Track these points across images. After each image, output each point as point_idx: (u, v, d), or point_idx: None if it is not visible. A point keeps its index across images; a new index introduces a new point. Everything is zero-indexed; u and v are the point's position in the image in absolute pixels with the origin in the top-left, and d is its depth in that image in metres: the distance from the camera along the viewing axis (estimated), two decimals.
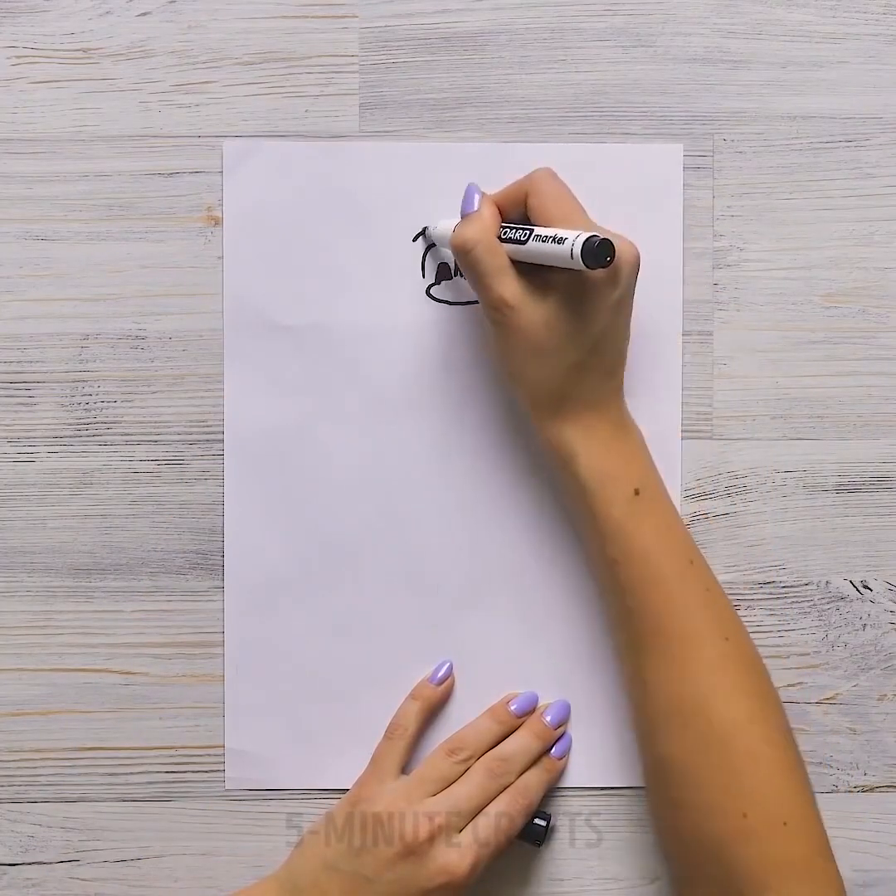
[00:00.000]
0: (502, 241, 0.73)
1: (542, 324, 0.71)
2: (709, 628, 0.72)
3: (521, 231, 0.72)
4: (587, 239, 0.68)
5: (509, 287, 0.72)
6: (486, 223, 0.73)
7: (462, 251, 0.72)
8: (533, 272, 0.72)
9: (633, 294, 0.73)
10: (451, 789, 0.75)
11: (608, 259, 0.68)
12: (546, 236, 0.70)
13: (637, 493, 0.73)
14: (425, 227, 0.79)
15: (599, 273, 0.70)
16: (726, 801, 0.70)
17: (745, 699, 0.71)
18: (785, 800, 0.70)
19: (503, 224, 0.74)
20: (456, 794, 0.74)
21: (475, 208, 0.74)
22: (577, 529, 0.76)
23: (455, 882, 0.72)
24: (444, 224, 0.77)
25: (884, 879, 0.79)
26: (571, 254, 0.68)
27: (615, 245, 0.69)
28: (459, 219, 0.75)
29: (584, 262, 0.68)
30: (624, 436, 0.74)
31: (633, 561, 0.72)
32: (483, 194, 0.75)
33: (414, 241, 0.79)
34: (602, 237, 0.68)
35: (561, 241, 0.69)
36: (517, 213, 0.74)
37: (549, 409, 0.73)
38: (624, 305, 0.73)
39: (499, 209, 0.74)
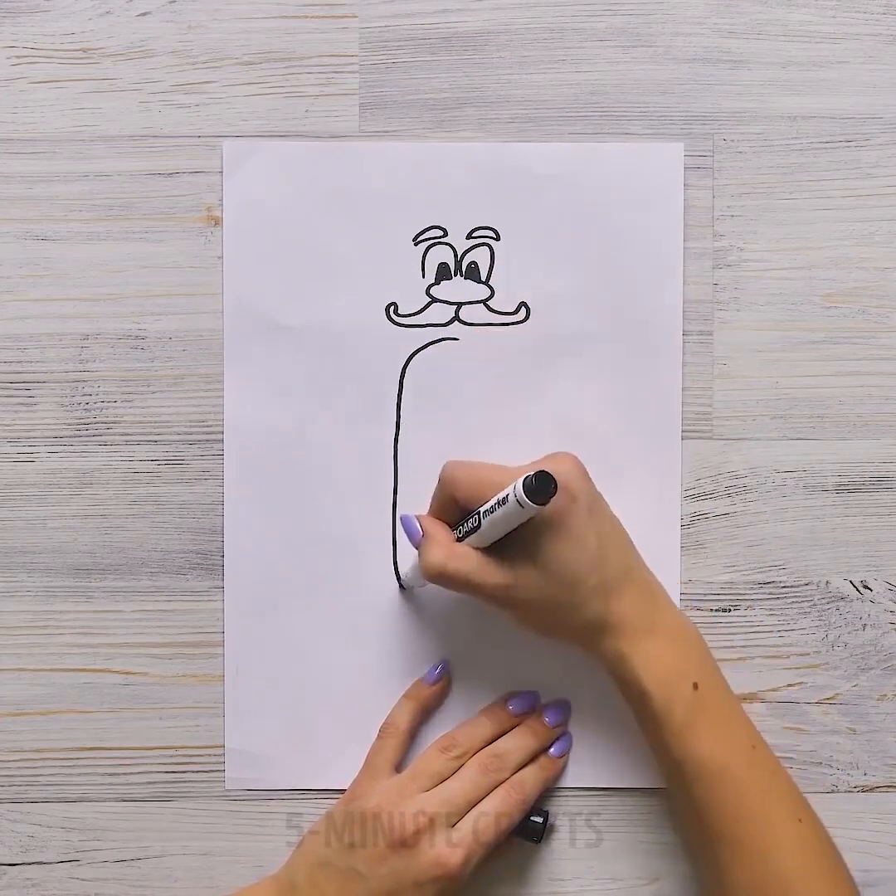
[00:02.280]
0: (462, 540, 0.73)
1: (544, 580, 0.72)
2: (780, 811, 0.72)
3: (470, 520, 0.73)
4: (523, 481, 0.68)
5: (496, 574, 0.72)
6: (438, 540, 0.74)
7: (436, 576, 0.73)
8: (505, 545, 0.72)
9: (597, 491, 0.74)
10: (444, 785, 0.75)
11: (552, 486, 0.68)
12: (492, 507, 0.71)
13: (696, 687, 0.73)
14: (401, 581, 0.79)
15: (555, 504, 0.70)
16: None
17: (823, 880, 0.71)
18: None
19: (453, 527, 0.75)
20: (448, 790, 0.75)
21: (420, 534, 0.75)
22: (643, 731, 0.75)
23: (448, 875, 0.72)
24: (410, 566, 0.78)
25: (884, 879, 0.79)
26: (519, 503, 0.68)
27: (551, 470, 0.69)
28: (416, 555, 0.76)
29: (533, 503, 0.68)
30: (673, 630, 0.74)
31: (697, 758, 0.72)
32: (419, 516, 0.76)
33: (401, 587, 0.79)
34: (535, 472, 0.68)
35: (504, 501, 0.70)
36: (455, 514, 0.75)
37: (592, 634, 0.74)
38: (596, 509, 0.73)
39: (440, 519, 0.75)
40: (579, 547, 0.72)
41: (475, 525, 0.72)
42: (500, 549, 0.72)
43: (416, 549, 0.75)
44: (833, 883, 0.72)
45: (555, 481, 0.68)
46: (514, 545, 0.72)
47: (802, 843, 0.72)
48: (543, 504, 0.68)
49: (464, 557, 0.73)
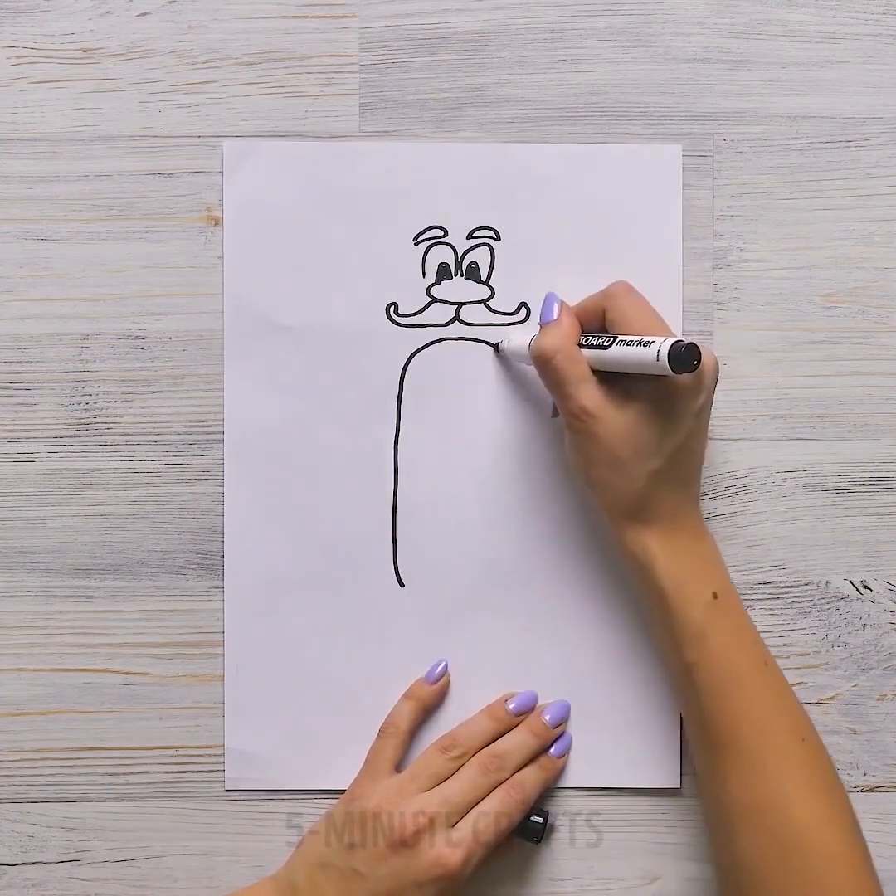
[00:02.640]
0: (584, 348, 0.73)
1: (625, 433, 0.71)
2: (785, 729, 0.72)
3: (603, 338, 0.72)
4: (674, 343, 0.67)
5: (591, 395, 0.71)
6: (566, 331, 0.73)
7: (542, 360, 0.72)
8: (614, 381, 0.72)
9: (712, 406, 0.73)
10: (444, 785, 0.75)
11: (695, 363, 0.68)
12: (631, 341, 0.70)
13: (715, 596, 0.73)
14: (499, 343, 0.79)
15: (685, 379, 0.70)
16: None
17: (822, 799, 0.71)
18: None
19: (584, 333, 0.74)
20: (448, 790, 0.75)
21: (555, 317, 0.74)
22: (654, 633, 0.76)
23: (448, 875, 0.72)
24: (518, 338, 0.77)
25: (884, 879, 0.79)
26: (658, 356, 0.68)
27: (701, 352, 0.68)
28: (534, 332, 0.75)
29: (670, 367, 0.67)
30: (701, 541, 0.74)
31: (711, 664, 0.72)
32: (562, 303, 0.75)
33: (496, 352, 0.79)
34: (688, 342, 0.68)
35: (647, 344, 0.69)
36: (595, 325, 0.74)
37: (628, 515, 0.73)
38: (705, 413, 0.73)
39: (580, 319, 0.75)
40: (669, 430, 0.71)
41: (605, 344, 0.71)
42: (604, 379, 0.72)
43: (541, 326, 0.74)
44: (830, 797, 0.72)
45: (700, 359, 0.68)
46: (618, 385, 0.72)
47: (803, 763, 0.72)
48: (677, 373, 0.67)
49: (575, 362, 0.72)
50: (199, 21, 0.79)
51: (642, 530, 0.73)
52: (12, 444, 0.79)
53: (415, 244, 0.79)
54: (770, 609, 0.80)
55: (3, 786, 0.79)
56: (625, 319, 0.73)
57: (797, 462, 0.80)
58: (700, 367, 0.69)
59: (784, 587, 0.80)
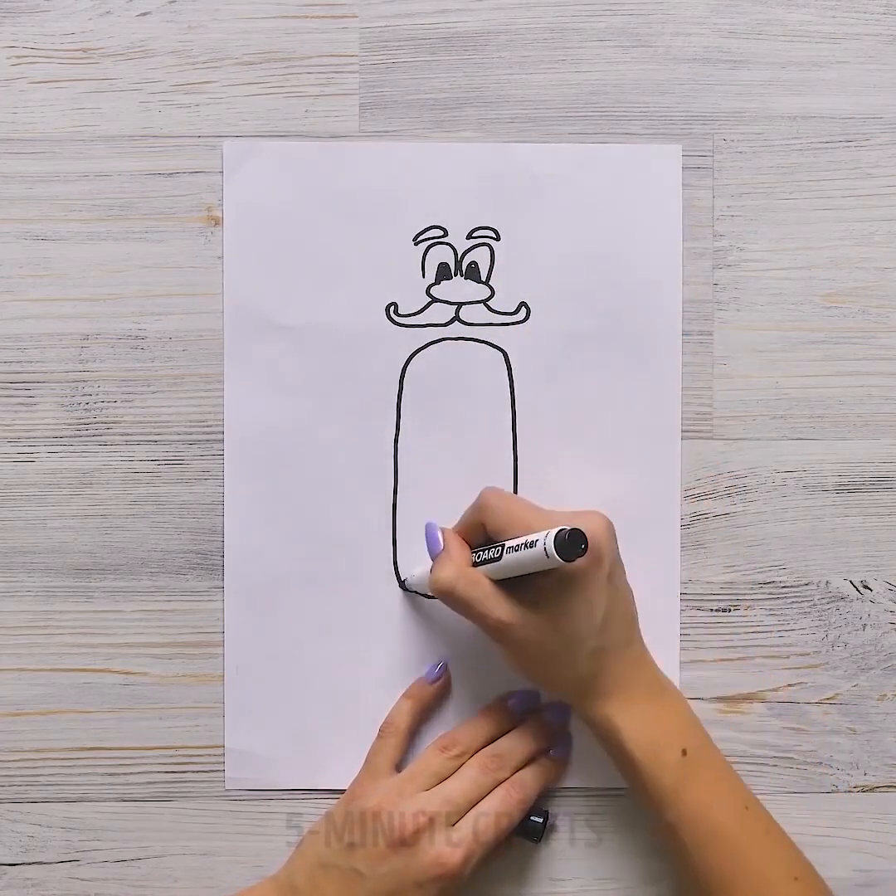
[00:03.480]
0: (478, 566, 0.73)
1: (548, 629, 0.71)
2: (775, 871, 0.72)
3: (492, 550, 0.73)
4: (556, 534, 0.68)
5: (501, 608, 0.72)
6: (456, 558, 0.74)
7: (444, 592, 0.73)
8: (519, 584, 0.72)
9: (619, 557, 0.74)
10: (444, 784, 0.75)
11: (583, 546, 0.68)
12: (517, 545, 0.70)
13: (684, 753, 0.73)
14: (404, 579, 0.79)
15: (581, 562, 0.70)
16: None
17: None
18: None
19: (474, 550, 0.74)
20: (448, 789, 0.75)
21: (441, 547, 0.75)
22: (633, 796, 0.76)
23: (448, 874, 0.72)
24: (419, 571, 0.78)
25: (884, 879, 0.79)
26: (547, 553, 0.68)
27: (585, 529, 0.68)
28: (429, 562, 0.76)
29: (561, 558, 0.67)
30: (661, 700, 0.75)
31: (691, 821, 0.72)
32: (443, 530, 0.76)
33: (403, 588, 0.79)
34: (571, 528, 0.68)
35: (532, 544, 0.69)
36: (480, 538, 0.75)
37: (581, 694, 0.73)
38: (615, 576, 0.73)
39: (463, 538, 0.75)
40: (588, 609, 0.72)
41: (496, 556, 0.72)
42: (510, 587, 0.72)
43: (432, 559, 0.75)
44: None
45: (587, 542, 0.68)
46: (525, 587, 0.72)
47: None
48: (570, 561, 0.68)
49: (474, 584, 0.72)
50: (199, 21, 0.79)
51: (601, 703, 0.73)
52: (12, 444, 0.79)
53: (415, 244, 0.79)
54: (770, 609, 0.80)
55: (3, 786, 0.79)
56: (502, 526, 0.73)
57: (797, 462, 0.80)
58: (589, 543, 0.69)
59: (784, 587, 0.80)
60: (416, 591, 0.79)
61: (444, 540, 0.75)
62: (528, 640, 0.72)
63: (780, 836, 0.74)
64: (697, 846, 0.72)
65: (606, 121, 0.79)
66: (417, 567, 0.78)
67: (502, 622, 0.72)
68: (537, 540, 0.69)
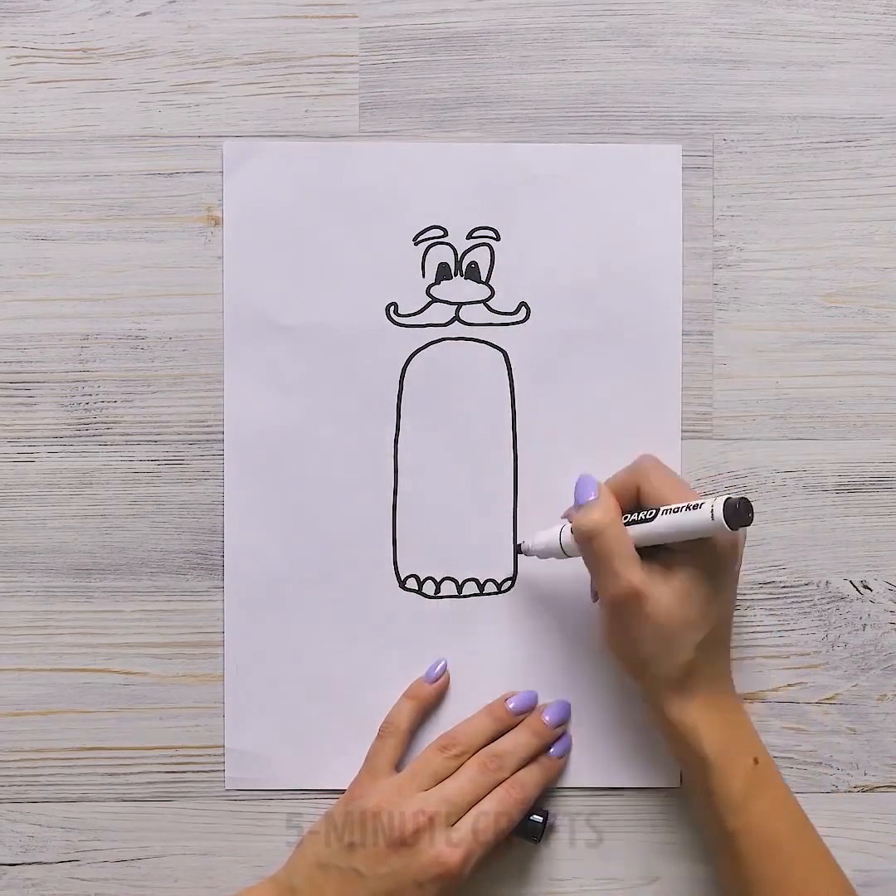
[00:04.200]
0: (627, 524, 0.72)
1: (673, 607, 0.71)
2: (827, 889, 0.72)
3: (644, 512, 0.72)
4: (726, 500, 0.68)
5: (637, 574, 0.71)
6: (610, 507, 0.72)
7: (589, 536, 0.72)
8: (653, 557, 0.72)
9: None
10: (444, 784, 0.75)
11: (750, 515, 0.68)
12: (675, 508, 0.70)
13: (756, 762, 0.73)
14: (520, 543, 0.78)
15: (726, 541, 0.70)
16: None
17: None
18: None
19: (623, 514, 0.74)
20: (448, 789, 0.75)
21: (593, 496, 0.73)
22: (695, 802, 0.76)
23: (448, 873, 0.72)
24: (545, 535, 0.77)
25: (884, 879, 0.79)
26: (712, 516, 0.68)
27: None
28: (556, 527, 0.75)
29: (728, 524, 0.68)
30: (738, 708, 0.75)
31: (752, 831, 0.72)
32: (598, 482, 0.74)
33: (518, 552, 0.79)
34: (741, 496, 0.68)
35: (696, 507, 0.69)
36: (627, 503, 0.74)
37: (674, 688, 0.73)
38: (736, 579, 0.73)
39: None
40: (714, 598, 0.72)
41: (648, 517, 0.71)
42: (644, 555, 0.72)
43: (580, 507, 0.73)
44: None
45: (753, 514, 0.68)
46: (659, 559, 0.72)
47: None
48: (734, 528, 0.68)
49: (619, 538, 0.71)
50: (199, 21, 0.79)
51: (685, 700, 0.73)
52: (12, 444, 0.79)
53: (415, 244, 0.79)
54: (770, 609, 0.80)
55: (3, 786, 0.79)
56: (661, 493, 0.72)
57: (797, 462, 0.80)
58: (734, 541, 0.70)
59: (784, 587, 0.80)
60: (533, 553, 0.77)
61: (598, 489, 0.74)
62: (650, 614, 0.71)
63: (833, 861, 0.74)
64: (754, 858, 0.72)
65: (606, 121, 0.79)
66: (543, 531, 0.77)
67: (636, 589, 0.71)
68: (703, 504, 0.69)
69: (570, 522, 0.74)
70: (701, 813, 0.75)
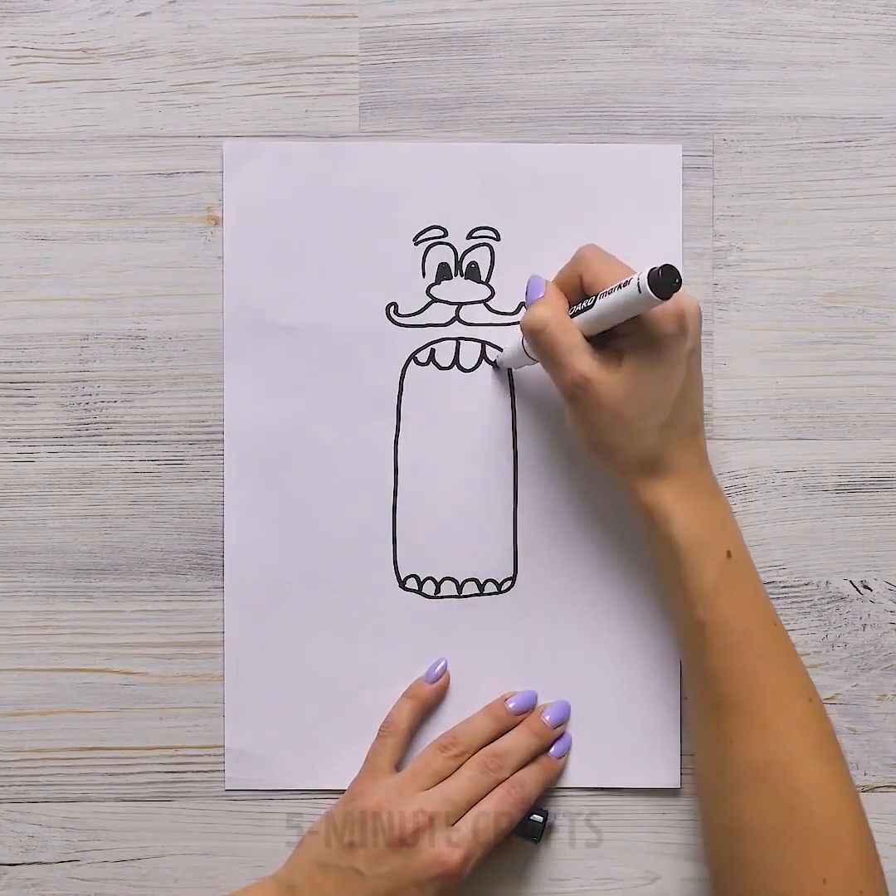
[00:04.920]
0: (572, 316, 0.73)
1: (626, 391, 0.71)
2: (794, 690, 0.72)
3: (586, 301, 0.72)
4: (650, 271, 0.67)
5: (585, 361, 0.71)
6: (554, 302, 0.73)
7: (534, 331, 0.72)
8: (604, 345, 0.72)
9: (701, 347, 0.73)
10: (444, 784, 0.75)
11: (676, 281, 0.67)
12: (610, 289, 0.70)
13: (729, 555, 0.73)
14: (495, 359, 0.79)
15: (668, 325, 0.70)
16: (806, 866, 0.69)
17: (827, 762, 0.71)
18: (863, 868, 0.70)
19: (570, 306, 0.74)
20: (448, 789, 0.75)
21: (541, 293, 0.74)
22: (665, 591, 0.76)
23: (448, 873, 0.72)
24: (510, 344, 0.78)
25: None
26: (639, 289, 0.68)
27: (677, 297, 0.68)
28: (520, 324, 0.75)
29: (653, 293, 0.67)
30: (715, 498, 0.74)
31: (722, 622, 0.72)
32: (546, 280, 0.75)
33: (495, 367, 0.79)
34: (663, 264, 0.67)
35: (626, 284, 0.69)
36: (575, 296, 0.74)
37: (641, 473, 0.73)
38: (695, 357, 0.73)
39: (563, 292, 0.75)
40: (666, 379, 0.71)
41: (589, 305, 0.72)
42: (596, 344, 0.72)
43: (528, 304, 0.74)
44: (834, 760, 0.72)
45: (680, 279, 0.67)
46: (610, 347, 0.72)
47: (810, 723, 0.72)
48: (663, 297, 0.67)
49: (565, 330, 0.72)
50: (199, 21, 0.79)
51: (657, 485, 0.73)
52: (12, 444, 0.79)
53: (415, 244, 0.79)
54: None
55: (3, 786, 0.79)
56: (599, 277, 0.73)
57: (797, 462, 0.80)
58: (682, 314, 0.70)
59: (784, 587, 0.80)
60: (507, 364, 0.78)
61: (544, 287, 0.74)
62: (604, 400, 0.71)
63: (799, 659, 0.73)
64: (722, 649, 0.71)
65: (606, 121, 0.79)
66: (511, 342, 0.78)
67: (583, 375, 0.71)
68: (631, 280, 0.68)
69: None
70: (671, 602, 0.75)
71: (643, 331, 0.71)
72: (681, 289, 0.68)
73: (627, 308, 0.69)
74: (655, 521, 0.73)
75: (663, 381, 0.71)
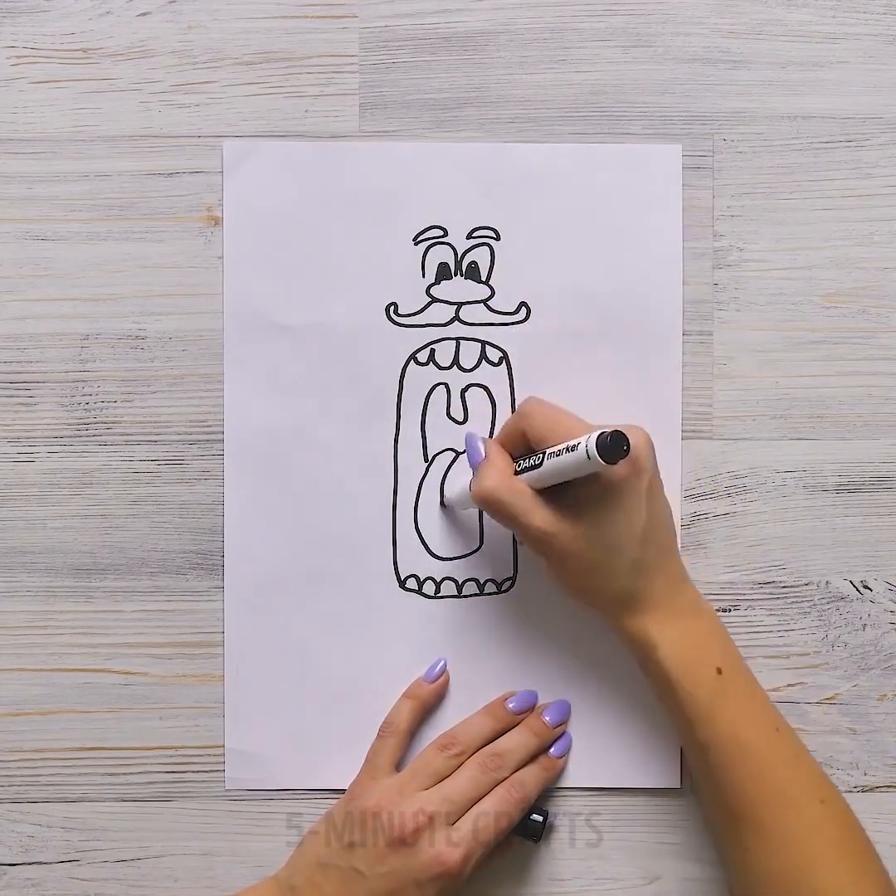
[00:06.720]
0: (519, 475, 0.73)
1: (586, 541, 0.72)
2: (802, 794, 0.72)
3: (533, 457, 0.72)
4: (598, 436, 0.67)
5: (544, 518, 0.72)
6: (498, 467, 0.74)
7: (487, 502, 0.73)
8: (560, 493, 0.72)
9: (659, 474, 0.73)
10: (444, 783, 0.75)
11: (624, 448, 0.68)
12: (558, 451, 0.70)
13: (719, 672, 0.73)
14: (441, 498, 0.79)
15: (621, 470, 0.70)
16: None
17: (846, 861, 0.71)
18: None
19: (515, 459, 0.74)
20: (448, 788, 0.75)
21: (482, 456, 0.74)
22: (665, 712, 0.76)
23: (448, 873, 0.72)
24: (459, 486, 0.78)
25: None
26: (588, 455, 0.68)
27: (627, 434, 0.69)
28: (468, 474, 0.76)
29: (602, 459, 0.67)
30: (699, 618, 0.74)
31: (722, 741, 0.72)
32: (484, 439, 0.76)
33: (442, 506, 0.79)
34: (612, 430, 0.68)
35: (574, 448, 0.69)
36: (522, 448, 0.75)
37: (621, 608, 0.73)
38: (655, 489, 0.73)
39: (505, 449, 0.75)
40: (628, 520, 0.72)
41: (537, 463, 0.72)
42: (552, 498, 0.72)
43: (473, 469, 0.75)
44: (856, 857, 0.72)
45: (628, 443, 0.68)
46: (566, 497, 0.72)
47: (825, 825, 0.72)
48: (611, 463, 0.68)
49: (517, 493, 0.72)
50: (199, 21, 0.79)
51: (638, 616, 0.73)
52: (12, 444, 0.79)
53: (415, 244, 0.79)
54: (770, 609, 0.80)
55: (3, 786, 0.79)
56: (544, 434, 0.73)
57: (797, 462, 0.80)
58: (632, 451, 0.70)
59: (784, 587, 0.80)
60: (456, 508, 0.79)
61: (485, 449, 0.75)
62: (569, 550, 0.72)
63: (809, 761, 0.74)
64: (727, 766, 0.72)
65: (606, 121, 0.79)
66: (456, 485, 0.78)
67: (544, 531, 0.72)
68: (579, 443, 0.69)
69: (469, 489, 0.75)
70: (671, 722, 0.75)
71: (597, 479, 0.71)
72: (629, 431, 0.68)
73: (576, 470, 0.70)
74: (643, 649, 0.74)
75: (625, 525, 0.72)
